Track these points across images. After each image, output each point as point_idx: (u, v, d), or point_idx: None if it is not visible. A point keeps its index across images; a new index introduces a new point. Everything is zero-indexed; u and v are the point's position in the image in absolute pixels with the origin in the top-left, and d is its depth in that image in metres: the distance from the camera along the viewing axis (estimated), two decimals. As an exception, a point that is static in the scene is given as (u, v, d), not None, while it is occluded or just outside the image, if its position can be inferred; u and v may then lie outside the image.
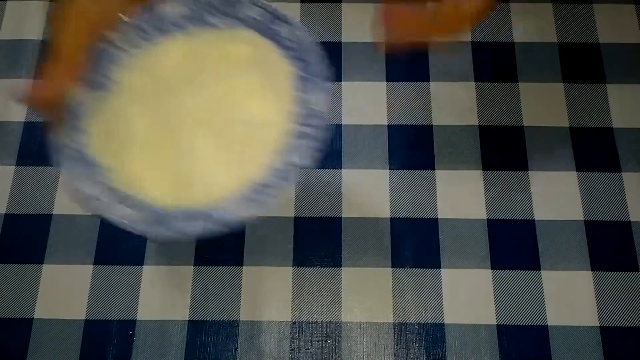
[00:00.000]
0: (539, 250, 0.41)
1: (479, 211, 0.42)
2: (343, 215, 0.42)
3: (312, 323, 0.40)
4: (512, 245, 0.41)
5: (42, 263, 0.41)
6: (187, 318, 0.40)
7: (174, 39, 0.31)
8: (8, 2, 0.50)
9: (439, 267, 0.41)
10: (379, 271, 0.41)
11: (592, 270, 0.41)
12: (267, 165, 0.28)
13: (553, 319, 0.39)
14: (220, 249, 0.42)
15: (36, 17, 0.49)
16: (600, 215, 0.42)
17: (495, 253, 0.41)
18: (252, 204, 0.27)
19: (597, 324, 0.39)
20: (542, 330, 0.39)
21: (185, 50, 0.31)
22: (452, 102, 0.46)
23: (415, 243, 0.42)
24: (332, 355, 0.39)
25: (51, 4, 0.50)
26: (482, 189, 0.43)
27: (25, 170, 0.44)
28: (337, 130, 0.45)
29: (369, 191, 0.43)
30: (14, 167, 0.44)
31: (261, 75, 0.30)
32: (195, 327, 0.40)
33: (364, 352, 0.39)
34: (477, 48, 0.47)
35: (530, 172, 0.43)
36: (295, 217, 0.42)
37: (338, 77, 0.46)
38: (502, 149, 0.44)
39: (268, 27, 0.29)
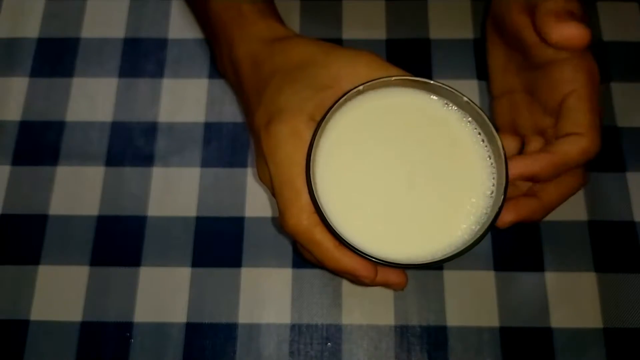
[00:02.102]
0: (543, 252, 0.41)
1: (481, 212, 0.42)
2: (343, 215, 0.42)
3: (312, 325, 0.39)
4: (515, 246, 0.41)
5: (38, 264, 0.41)
6: (184, 320, 0.39)
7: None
8: (4, 0, 0.49)
9: (441, 269, 0.40)
10: (379, 273, 0.40)
11: (596, 272, 0.40)
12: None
13: (557, 321, 0.39)
14: (219, 250, 0.41)
15: (33, 14, 0.49)
16: (605, 215, 0.42)
17: (498, 254, 0.41)
18: None
19: (601, 325, 0.39)
20: (546, 333, 0.39)
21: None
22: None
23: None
24: (333, 358, 0.39)
25: (46, 2, 0.49)
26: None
27: (20, 171, 0.44)
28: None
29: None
30: (9, 167, 0.44)
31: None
32: (193, 330, 0.39)
33: (364, 355, 0.39)
34: (480, 44, 0.47)
35: (533, 172, 0.43)
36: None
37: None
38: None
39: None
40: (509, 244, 0.41)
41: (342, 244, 0.29)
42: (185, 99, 0.46)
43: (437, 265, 0.27)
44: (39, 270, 0.41)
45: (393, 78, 0.31)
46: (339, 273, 0.31)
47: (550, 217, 0.41)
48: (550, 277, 0.40)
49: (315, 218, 0.29)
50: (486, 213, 0.29)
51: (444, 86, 0.30)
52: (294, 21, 0.48)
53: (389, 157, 0.31)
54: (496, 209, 0.28)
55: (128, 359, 0.39)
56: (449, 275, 0.40)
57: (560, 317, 0.39)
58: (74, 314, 0.40)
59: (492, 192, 0.30)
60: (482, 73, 0.46)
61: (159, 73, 0.47)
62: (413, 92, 0.32)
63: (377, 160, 0.31)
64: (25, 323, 0.40)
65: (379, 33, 0.47)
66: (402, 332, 0.39)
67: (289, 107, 0.31)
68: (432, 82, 0.31)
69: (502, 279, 0.40)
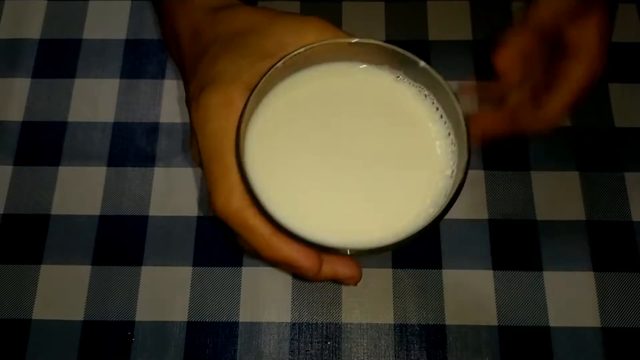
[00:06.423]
0: (541, 251, 0.41)
1: (480, 211, 0.42)
2: (343, 215, 0.42)
3: (312, 324, 0.40)
4: (514, 245, 0.41)
5: (40, 263, 0.41)
6: (186, 319, 0.40)
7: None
8: (7, 1, 0.50)
9: (440, 268, 0.41)
10: (379, 272, 0.41)
11: (594, 271, 0.40)
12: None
13: (555, 320, 0.39)
14: (220, 249, 0.42)
15: (35, 16, 0.49)
16: (603, 215, 0.42)
17: (497, 253, 0.41)
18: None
19: (599, 325, 0.39)
20: (544, 332, 0.39)
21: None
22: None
23: (416, 243, 0.41)
24: (332, 356, 0.39)
25: (48, 3, 0.49)
26: (484, 190, 0.43)
27: (23, 171, 0.44)
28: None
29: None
30: (11, 167, 0.44)
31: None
32: (194, 329, 0.40)
33: (364, 353, 0.39)
34: (478, 46, 0.47)
35: (532, 172, 0.43)
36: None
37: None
38: (504, 149, 0.44)
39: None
40: (507, 243, 0.41)
41: (277, 228, 0.25)
42: (187, 100, 0.46)
43: (386, 251, 0.25)
44: (41, 269, 0.41)
45: (338, 41, 0.27)
46: (277, 264, 0.28)
47: (549, 216, 0.42)
48: (549, 276, 0.40)
49: (249, 199, 0.25)
50: (445, 195, 0.26)
51: (398, 50, 0.27)
52: (294, 22, 0.48)
53: (335, 134, 0.28)
54: (455, 189, 0.25)
55: (129, 358, 0.39)
56: (448, 274, 0.41)
57: (559, 316, 0.39)
58: (76, 313, 0.40)
59: (452, 172, 0.27)
60: (482, 74, 0.46)
61: (160, 74, 0.47)
62: (363, 67, 0.29)
63: (321, 137, 0.28)
64: (28, 322, 0.40)
65: (378, 35, 0.48)
66: (401, 330, 0.39)
67: (223, 76, 0.27)
68: (383, 44, 0.27)
69: (501, 278, 0.40)
